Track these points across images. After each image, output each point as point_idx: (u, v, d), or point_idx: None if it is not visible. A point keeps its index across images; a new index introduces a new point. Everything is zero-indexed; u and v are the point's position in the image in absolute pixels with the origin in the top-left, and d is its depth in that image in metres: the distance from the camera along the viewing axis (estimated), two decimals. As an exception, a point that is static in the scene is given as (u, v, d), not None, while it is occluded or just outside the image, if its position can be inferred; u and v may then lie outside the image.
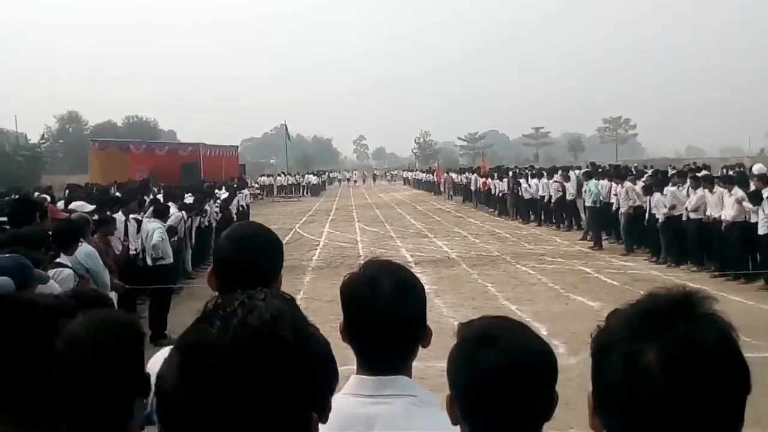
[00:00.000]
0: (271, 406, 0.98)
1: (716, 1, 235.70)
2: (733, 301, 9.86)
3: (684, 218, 12.67)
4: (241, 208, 21.02)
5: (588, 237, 16.80)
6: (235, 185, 23.30)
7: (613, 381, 0.93)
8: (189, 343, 1.04)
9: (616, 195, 15.29)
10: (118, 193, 14.37)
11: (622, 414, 0.92)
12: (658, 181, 14.46)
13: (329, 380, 1.41)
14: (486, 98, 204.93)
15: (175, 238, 10.72)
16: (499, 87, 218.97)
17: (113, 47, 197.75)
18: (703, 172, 17.27)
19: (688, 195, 12.87)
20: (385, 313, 1.49)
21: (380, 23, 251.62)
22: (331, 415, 1.05)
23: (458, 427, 1.34)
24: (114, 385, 1.49)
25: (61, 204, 11.18)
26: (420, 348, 1.58)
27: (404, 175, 69.87)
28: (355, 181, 73.29)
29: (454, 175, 40.40)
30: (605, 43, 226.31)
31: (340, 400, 1.44)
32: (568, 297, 10.34)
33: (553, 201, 20.27)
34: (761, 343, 6.54)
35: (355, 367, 1.57)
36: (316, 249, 17.38)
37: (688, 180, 13.43)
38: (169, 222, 10.64)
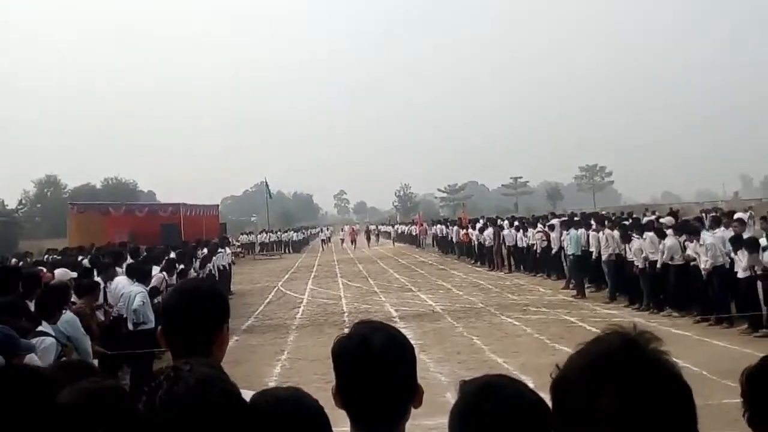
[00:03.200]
0: None
1: (688, 52, 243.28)
2: (717, 345, 9.93)
3: (659, 264, 12.82)
4: (222, 268, 20.92)
5: (570, 286, 16.89)
6: (216, 243, 23.25)
7: (572, 426, 1.00)
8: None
9: (597, 243, 15.46)
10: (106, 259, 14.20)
11: None
12: (635, 228, 14.63)
13: None
14: (464, 150, 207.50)
15: (159, 300, 10.62)
16: (476, 138, 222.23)
17: (89, 109, 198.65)
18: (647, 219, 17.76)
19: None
20: (377, 371, 1.51)
21: (354, 74, 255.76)
22: None
23: None
24: None
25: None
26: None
27: (383, 229, 62.43)
28: (342, 240, 52.62)
29: (425, 226, 43.09)
30: (580, 91, 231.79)
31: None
32: (554, 348, 10.32)
33: (537, 251, 20.46)
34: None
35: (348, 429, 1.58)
36: (299, 307, 17.26)
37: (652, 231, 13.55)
38: (152, 283, 10.59)
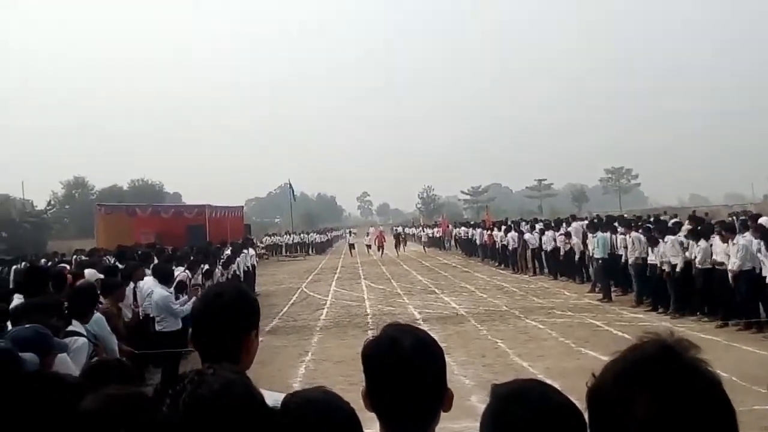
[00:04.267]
0: None
1: (710, 53, 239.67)
2: (746, 351, 9.76)
3: (695, 267, 12.60)
4: (246, 269, 21.07)
5: (596, 289, 16.74)
6: (240, 244, 23.47)
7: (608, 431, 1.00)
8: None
9: (625, 246, 15.32)
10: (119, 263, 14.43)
11: None
12: (661, 231, 14.43)
13: None
14: (488, 151, 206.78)
15: (185, 295, 10.69)
16: (501, 140, 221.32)
17: (117, 111, 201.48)
18: (673, 221, 17.54)
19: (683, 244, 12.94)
20: (407, 373, 1.52)
21: (378, 76, 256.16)
22: None
23: None
24: None
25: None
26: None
27: (408, 232, 55.81)
28: (368, 246, 42.41)
29: (450, 227, 42.83)
30: (604, 91, 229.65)
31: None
32: (580, 351, 10.24)
33: (561, 254, 20.34)
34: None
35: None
36: (323, 308, 17.31)
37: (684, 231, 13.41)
38: (177, 279, 10.74)
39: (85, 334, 4.89)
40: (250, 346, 1.98)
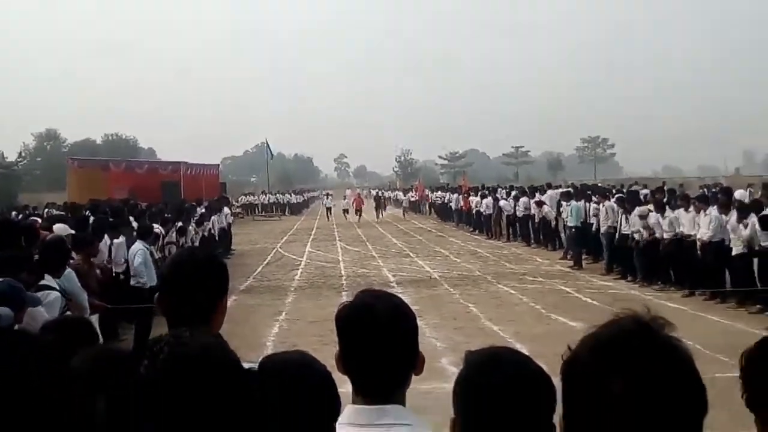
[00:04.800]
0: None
1: (689, 27, 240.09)
2: (711, 320, 10.02)
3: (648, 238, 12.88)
4: (222, 228, 20.94)
5: (568, 256, 16.96)
6: (216, 201, 23.30)
7: (582, 408, 1.01)
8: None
9: (596, 215, 15.50)
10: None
11: None
12: (631, 201, 14.58)
13: (322, 407, 1.45)
14: (466, 118, 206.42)
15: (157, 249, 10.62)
16: (478, 106, 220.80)
17: (90, 61, 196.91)
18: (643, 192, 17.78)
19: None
20: (380, 339, 1.54)
21: (360, 42, 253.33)
22: None
23: None
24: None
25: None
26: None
27: (387, 195, 54.23)
28: (345, 211, 41.36)
29: (427, 192, 41.87)
30: (582, 62, 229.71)
31: (337, 431, 1.49)
32: (550, 317, 10.41)
33: (537, 221, 20.52)
34: (736, 362, 6.63)
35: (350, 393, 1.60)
36: (297, 269, 17.35)
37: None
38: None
39: (57, 288, 4.86)
40: (221, 312, 1.97)
